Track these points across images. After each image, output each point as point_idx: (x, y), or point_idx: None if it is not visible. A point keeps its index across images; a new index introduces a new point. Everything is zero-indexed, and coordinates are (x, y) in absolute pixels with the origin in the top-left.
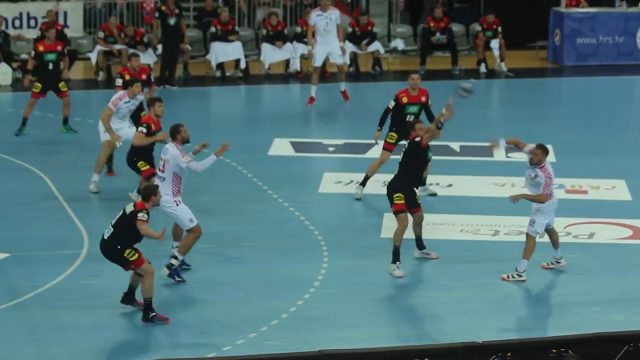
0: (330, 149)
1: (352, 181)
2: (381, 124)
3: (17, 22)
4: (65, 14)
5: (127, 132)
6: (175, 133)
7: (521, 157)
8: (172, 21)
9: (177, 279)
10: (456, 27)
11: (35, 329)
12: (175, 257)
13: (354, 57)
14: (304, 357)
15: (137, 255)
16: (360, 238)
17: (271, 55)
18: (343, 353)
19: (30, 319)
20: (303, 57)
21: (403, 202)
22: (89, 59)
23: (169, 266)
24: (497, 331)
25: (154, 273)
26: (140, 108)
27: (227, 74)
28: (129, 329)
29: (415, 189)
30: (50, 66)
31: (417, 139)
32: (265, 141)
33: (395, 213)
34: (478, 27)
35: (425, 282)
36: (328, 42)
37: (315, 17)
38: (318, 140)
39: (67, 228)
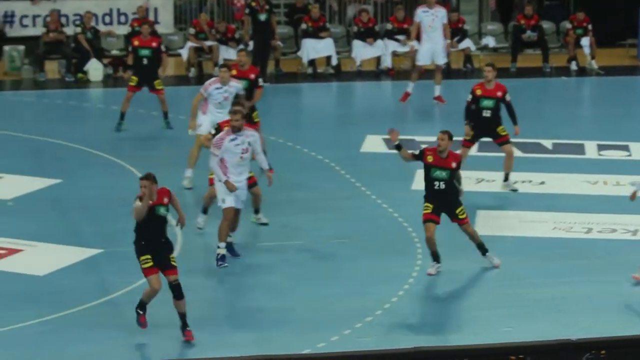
0: (423, 145)
1: None
2: (467, 117)
3: (107, 19)
4: (155, 10)
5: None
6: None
7: (613, 155)
8: (262, 17)
9: (220, 263)
10: (546, 25)
11: (126, 326)
12: (219, 247)
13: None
14: (399, 354)
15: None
16: (453, 235)
17: (362, 52)
18: (438, 350)
19: (122, 316)
20: (394, 54)
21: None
22: (179, 55)
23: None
24: (590, 329)
25: (158, 290)
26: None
27: (319, 70)
28: (219, 325)
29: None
30: (145, 61)
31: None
32: (357, 138)
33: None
34: (568, 25)
35: (517, 279)
36: (434, 41)
37: (422, 14)
38: (411, 137)
39: None
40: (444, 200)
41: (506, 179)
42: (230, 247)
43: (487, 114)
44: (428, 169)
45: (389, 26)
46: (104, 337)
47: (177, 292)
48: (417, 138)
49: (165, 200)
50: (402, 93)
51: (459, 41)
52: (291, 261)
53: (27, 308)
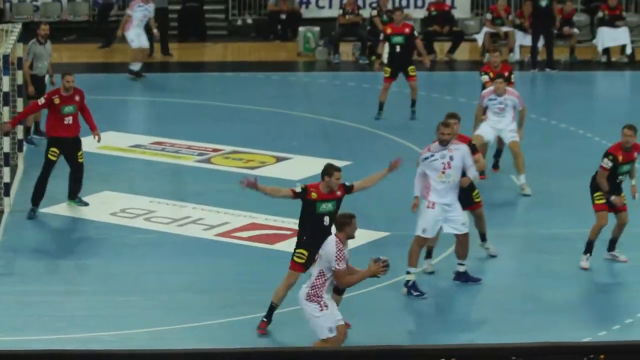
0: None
1: None
2: None
3: (404, 2)
4: None
5: (505, 135)
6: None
7: None
8: (543, 3)
9: (409, 291)
10: None
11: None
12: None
13: None
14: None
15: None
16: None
17: None
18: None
19: (403, 298)
20: None
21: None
22: (475, 40)
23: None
24: None
25: (290, 287)
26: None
27: (613, 59)
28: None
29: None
30: (398, 49)
31: None
32: None
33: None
34: None
35: None
36: None
37: None
38: None
39: None
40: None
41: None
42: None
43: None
44: None
45: None
46: (387, 319)
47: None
48: None
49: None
50: None
51: None
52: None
53: None
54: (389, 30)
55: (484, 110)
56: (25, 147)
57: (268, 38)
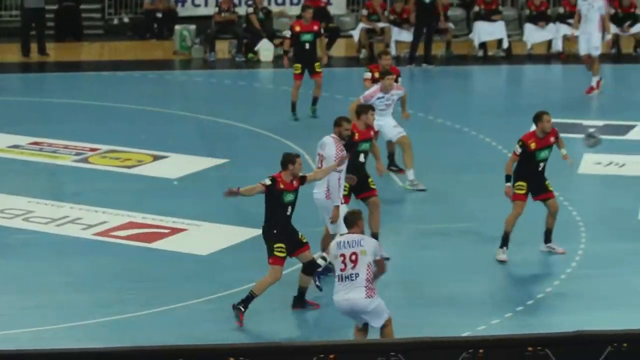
0: (591, 129)
1: (611, 163)
2: None
3: None
4: None
5: (389, 131)
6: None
7: None
8: None
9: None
10: None
11: (288, 303)
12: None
13: (615, 39)
14: (561, 337)
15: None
16: (618, 220)
17: (534, 35)
18: (599, 334)
19: (284, 294)
20: (566, 38)
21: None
22: (351, 36)
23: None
24: None
25: (277, 281)
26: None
27: (490, 53)
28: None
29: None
30: (307, 46)
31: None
32: (526, 122)
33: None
34: None
35: None
36: (587, 31)
37: (581, 2)
38: (578, 121)
39: None
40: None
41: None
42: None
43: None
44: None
45: (561, 10)
46: (267, 317)
47: (310, 268)
48: (584, 122)
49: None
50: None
51: (631, 25)
52: (455, 243)
53: (191, 287)
54: (297, 28)
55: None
56: None
57: (144, 37)
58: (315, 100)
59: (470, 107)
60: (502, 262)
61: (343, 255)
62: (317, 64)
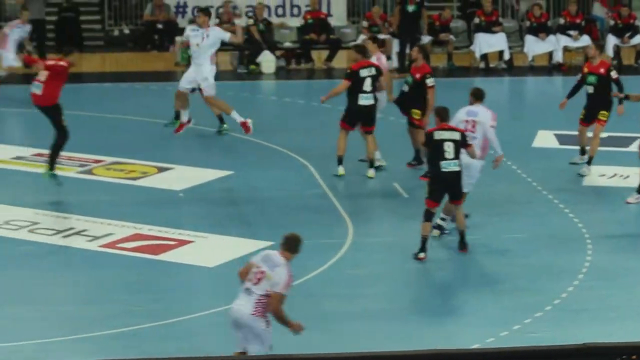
0: None
1: (615, 174)
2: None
3: (280, 10)
4: (328, 2)
5: None
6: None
7: None
8: (410, 9)
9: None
10: None
11: (299, 318)
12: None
13: (617, 50)
14: (568, 350)
15: None
16: (623, 231)
17: (534, 47)
18: (608, 346)
19: (295, 307)
20: (566, 49)
21: None
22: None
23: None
24: None
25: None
26: None
27: (491, 65)
28: (399, 318)
29: None
30: None
31: None
32: (529, 133)
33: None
34: None
35: None
36: None
37: None
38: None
39: (332, 217)
40: None
41: None
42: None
43: (589, 89)
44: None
45: (562, 21)
46: (275, 329)
47: None
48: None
49: None
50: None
51: (631, 37)
52: (463, 256)
53: (197, 299)
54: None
55: None
56: None
57: (145, 48)
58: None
59: None
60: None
61: (256, 266)
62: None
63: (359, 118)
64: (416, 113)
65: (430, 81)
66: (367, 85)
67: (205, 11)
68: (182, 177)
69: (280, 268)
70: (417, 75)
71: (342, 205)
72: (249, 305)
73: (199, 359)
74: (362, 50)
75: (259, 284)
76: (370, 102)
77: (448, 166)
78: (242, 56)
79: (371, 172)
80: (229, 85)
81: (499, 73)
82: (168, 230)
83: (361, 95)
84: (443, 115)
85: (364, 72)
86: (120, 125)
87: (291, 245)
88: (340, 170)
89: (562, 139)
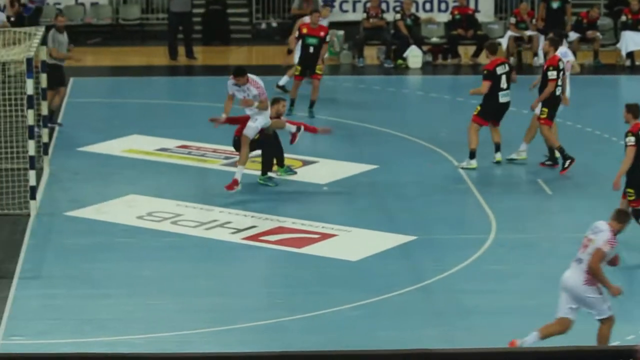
0: None
1: None
2: None
3: (427, 6)
4: None
5: None
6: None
7: None
8: (555, 5)
9: None
10: None
11: (440, 313)
12: None
13: None
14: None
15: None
16: None
17: None
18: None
19: (435, 303)
20: None
21: None
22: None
23: None
24: None
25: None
26: None
27: (637, 63)
28: (540, 315)
29: None
30: (311, 50)
31: None
32: None
33: None
34: None
35: None
36: None
37: None
38: None
39: (476, 212)
40: None
41: None
42: None
43: None
44: None
45: None
46: (416, 324)
47: None
48: None
49: None
50: None
51: None
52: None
53: (339, 292)
54: (304, 30)
55: None
56: (50, 150)
57: None
58: (312, 104)
59: (619, 117)
60: None
61: (586, 237)
62: (319, 66)
63: (496, 116)
64: (543, 112)
65: (551, 74)
66: (504, 82)
67: (241, 71)
68: (326, 171)
69: (603, 233)
70: (544, 68)
71: (485, 201)
72: (580, 274)
73: (342, 352)
74: (494, 48)
75: (586, 250)
76: (509, 99)
77: None
78: (388, 51)
79: (498, 156)
80: (376, 79)
81: None
82: (312, 224)
83: (500, 94)
84: None
85: (500, 70)
86: None
87: (619, 216)
88: (474, 163)
89: None
